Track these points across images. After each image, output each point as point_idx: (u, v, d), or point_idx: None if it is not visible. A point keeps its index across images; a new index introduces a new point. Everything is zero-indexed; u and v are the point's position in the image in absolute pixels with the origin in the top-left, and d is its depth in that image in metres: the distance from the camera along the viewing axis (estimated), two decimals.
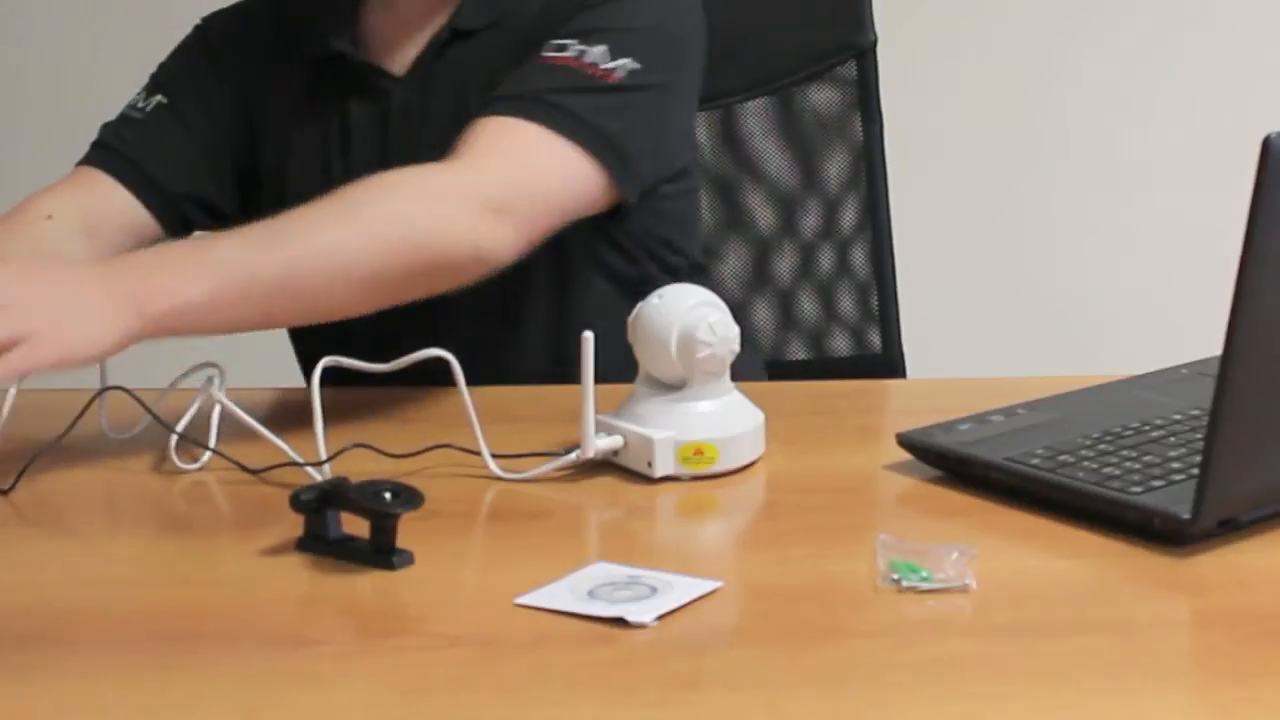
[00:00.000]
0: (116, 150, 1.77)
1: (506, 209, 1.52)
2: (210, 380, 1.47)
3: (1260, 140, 1.13)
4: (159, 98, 1.80)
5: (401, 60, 1.77)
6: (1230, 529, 1.25)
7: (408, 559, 1.24)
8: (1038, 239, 3.11)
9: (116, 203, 1.74)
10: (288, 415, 1.46)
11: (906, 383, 1.69)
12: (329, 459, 1.39)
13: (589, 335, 1.35)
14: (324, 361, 1.43)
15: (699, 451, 1.40)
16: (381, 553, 1.23)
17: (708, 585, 1.19)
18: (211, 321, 1.37)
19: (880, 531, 1.23)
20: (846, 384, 1.68)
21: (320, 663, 1.11)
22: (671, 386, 1.42)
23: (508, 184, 1.54)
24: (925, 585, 1.18)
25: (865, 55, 2.08)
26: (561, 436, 1.44)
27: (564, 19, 1.68)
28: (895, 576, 1.18)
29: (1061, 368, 1.70)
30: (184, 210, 1.78)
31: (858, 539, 1.26)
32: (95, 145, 1.79)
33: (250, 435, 1.44)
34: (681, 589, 1.18)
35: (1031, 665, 1.09)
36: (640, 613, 1.14)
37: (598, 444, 1.40)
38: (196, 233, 1.78)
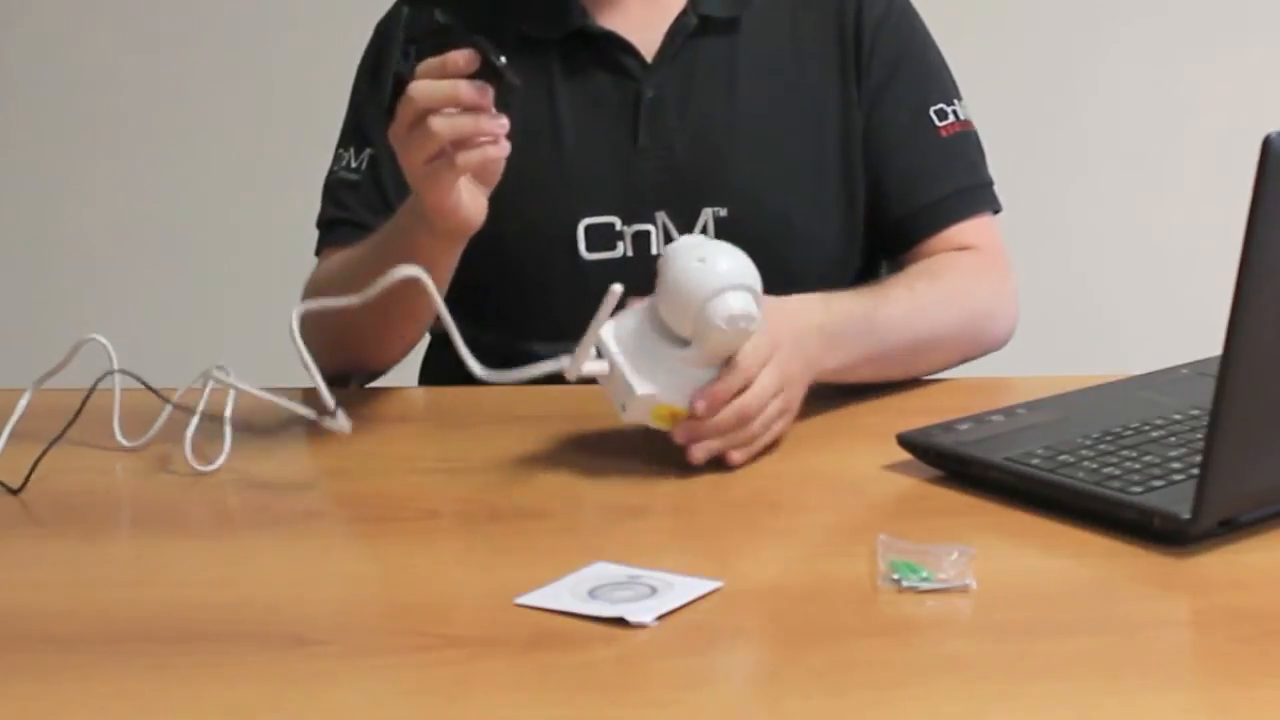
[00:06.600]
0: (353, 223, 1.71)
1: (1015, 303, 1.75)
2: (221, 369, 1.48)
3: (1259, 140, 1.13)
4: (368, 151, 1.72)
5: (640, 41, 1.72)
6: (1230, 529, 1.25)
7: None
8: (1037, 241, 3.11)
9: None
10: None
11: (906, 383, 1.68)
12: (335, 408, 1.39)
13: (617, 288, 1.34)
14: (302, 307, 1.43)
15: (675, 415, 1.38)
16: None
17: (708, 585, 1.19)
18: (844, 377, 1.56)
19: (880, 531, 1.23)
20: (846, 384, 1.67)
21: (320, 663, 1.11)
22: (678, 337, 1.40)
23: (1010, 282, 1.75)
24: (925, 585, 1.18)
25: None
26: (562, 436, 1.44)
27: (865, 41, 1.74)
28: (895, 576, 1.18)
29: (1062, 368, 1.70)
30: None
31: (858, 539, 1.26)
32: (330, 224, 1.74)
33: (258, 440, 1.44)
34: (681, 589, 1.18)
35: (1031, 665, 1.09)
36: (640, 613, 1.13)
37: (587, 366, 1.37)
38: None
